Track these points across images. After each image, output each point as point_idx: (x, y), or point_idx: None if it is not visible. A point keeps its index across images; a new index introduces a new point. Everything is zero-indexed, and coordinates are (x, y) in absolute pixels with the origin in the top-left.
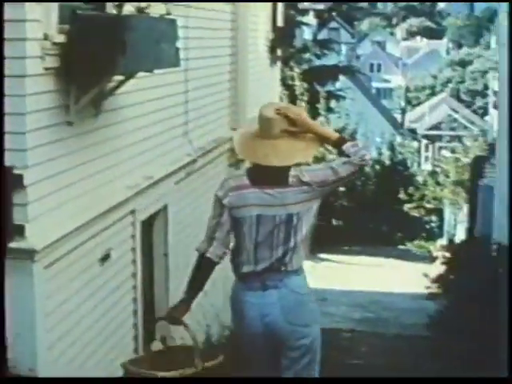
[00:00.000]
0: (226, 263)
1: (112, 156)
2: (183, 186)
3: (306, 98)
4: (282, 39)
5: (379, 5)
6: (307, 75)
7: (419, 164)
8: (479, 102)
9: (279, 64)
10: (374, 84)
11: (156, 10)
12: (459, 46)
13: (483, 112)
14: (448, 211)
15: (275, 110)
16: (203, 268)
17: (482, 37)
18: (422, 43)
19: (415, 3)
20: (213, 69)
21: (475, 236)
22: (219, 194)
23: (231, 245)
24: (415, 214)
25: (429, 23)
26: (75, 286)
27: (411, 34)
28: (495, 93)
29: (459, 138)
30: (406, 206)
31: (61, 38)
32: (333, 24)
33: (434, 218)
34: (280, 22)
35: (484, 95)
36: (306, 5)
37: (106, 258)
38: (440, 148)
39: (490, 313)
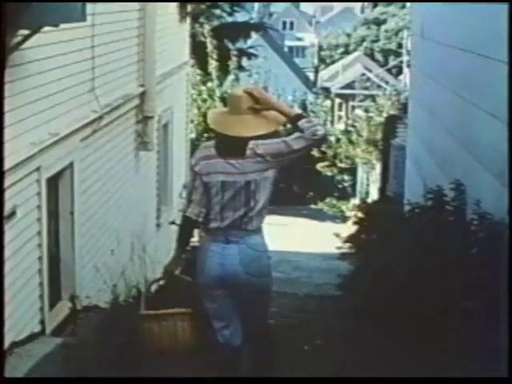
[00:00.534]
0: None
1: (16, 112)
2: (89, 143)
3: (216, 55)
4: None
5: None
6: (218, 32)
7: (332, 123)
8: (393, 62)
9: (189, 20)
10: (287, 42)
11: None
12: (374, 4)
13: (397, 71)
14: (361, 170)
15: (243, 90)
16: (185, 226)
17: None
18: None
19: None
20: (120, 24)
21: (387, 195)
22: (192, 163)
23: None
24: (328, 172)
25: None
26: None
27: None
28: (409, 52)
29: (373, 97)
30: (319, 165)
31: None
32: None
33: (346, 177)
34: None
35: (398, 54)
36: None
37: (11, 215)
38: (353, 107)
39: (401, 272)
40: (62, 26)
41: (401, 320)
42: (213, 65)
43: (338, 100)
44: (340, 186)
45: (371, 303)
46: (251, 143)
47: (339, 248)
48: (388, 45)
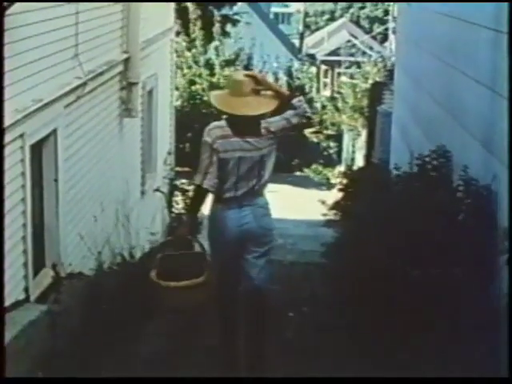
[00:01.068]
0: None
1: None
2: (73, 110)
3: (200, 22)
4: None
5: None
6: None
7: (318, 90)
8: (379, 28)
9: None
10: (273, 9)
11: None
12: None
13: (382, 38)
14: (346, 137)
15: (244, 75)
16: (200, 195)
17: None
18: None
19: None
20: None
21: (373, 162)
22: (209, 140)
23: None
24: (314, 139)
25: None
26: None
27: None
28: (395, 19)
29: (358, 64)
30: (306, 131)
31: None
32: None
33: (332, 144)
34: None
35: (384, 21)
36: None
37: None
38: (339, 74)
39: (387, 238)
40: None
41: (388, 287)
42: (196, 32)
43: (323, 67)
44: (326, 152)
45: (356, 270)
46: (263, 122)
47: (324, 215)
48: (375, 11)
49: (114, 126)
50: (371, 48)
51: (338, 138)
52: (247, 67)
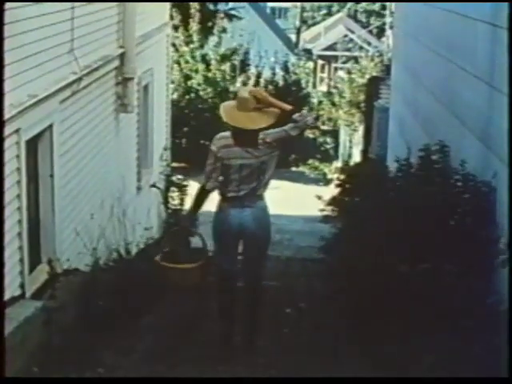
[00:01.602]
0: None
1: None
2: (69, 105)
3: (198, 17)
4: None
5: None
6: None
7: (314, 85)
8: (376, 23)
9: None
10: (270, 4)
11: None
12: None
13: (379, 33)
14: (343, 133)
15: (249, 92)
16: (202, 196)
17: None
18: None
19: None
20: None
21: (370, 157)
22: (214, 149)
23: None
24: (310, 135)
25: None
26: None
27: None
28: (392, 13)
29: (355, 59)
30: None
31: None
32: None
33: (329, 139)
34: None
35: (381, 15)
36: None
37: None
38: (336, 69)
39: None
40: None
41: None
42: (194, 27)
43: (320, 61)
44: (322, 148)
45: (354, 266)
46: (261, 134)
47: (321, 210)
48: (371, 6)
49: (109, 122)
50: (368, 43)
51: (334, 133)
52: (243, 62)
